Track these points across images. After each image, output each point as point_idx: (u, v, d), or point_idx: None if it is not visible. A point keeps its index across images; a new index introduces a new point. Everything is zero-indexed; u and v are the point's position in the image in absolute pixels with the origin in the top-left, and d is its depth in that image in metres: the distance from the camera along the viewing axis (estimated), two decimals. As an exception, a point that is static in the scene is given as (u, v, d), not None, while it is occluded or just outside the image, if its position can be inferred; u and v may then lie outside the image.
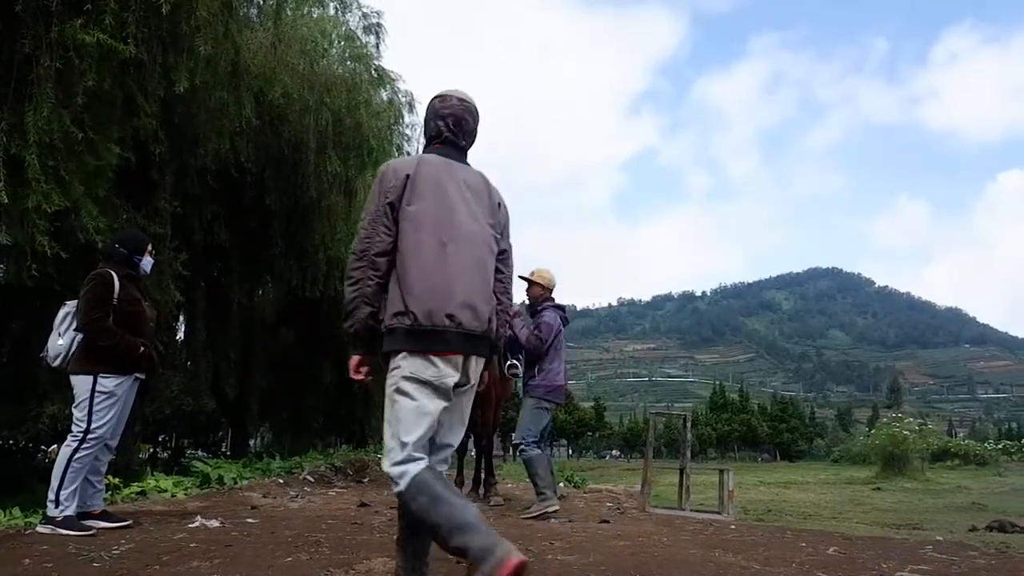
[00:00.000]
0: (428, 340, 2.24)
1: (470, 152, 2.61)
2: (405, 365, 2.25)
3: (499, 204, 2.56)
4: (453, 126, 2.52)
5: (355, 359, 2.45)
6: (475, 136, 2.59)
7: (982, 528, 8.70)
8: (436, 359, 2.25)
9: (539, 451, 5.36)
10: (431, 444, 2.33)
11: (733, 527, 5.33)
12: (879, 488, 19.42)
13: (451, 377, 2.28)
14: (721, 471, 6.43)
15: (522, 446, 5.44)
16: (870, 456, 26.56)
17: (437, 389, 2.25)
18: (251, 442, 22.66)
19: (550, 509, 5.18)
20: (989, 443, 46.08)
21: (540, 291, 5.83)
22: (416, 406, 2.23)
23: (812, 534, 4.97)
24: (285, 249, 11.37)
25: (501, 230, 2.54)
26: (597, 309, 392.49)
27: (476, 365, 2.38)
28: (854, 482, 22.33)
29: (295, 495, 6.47)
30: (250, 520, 4.59)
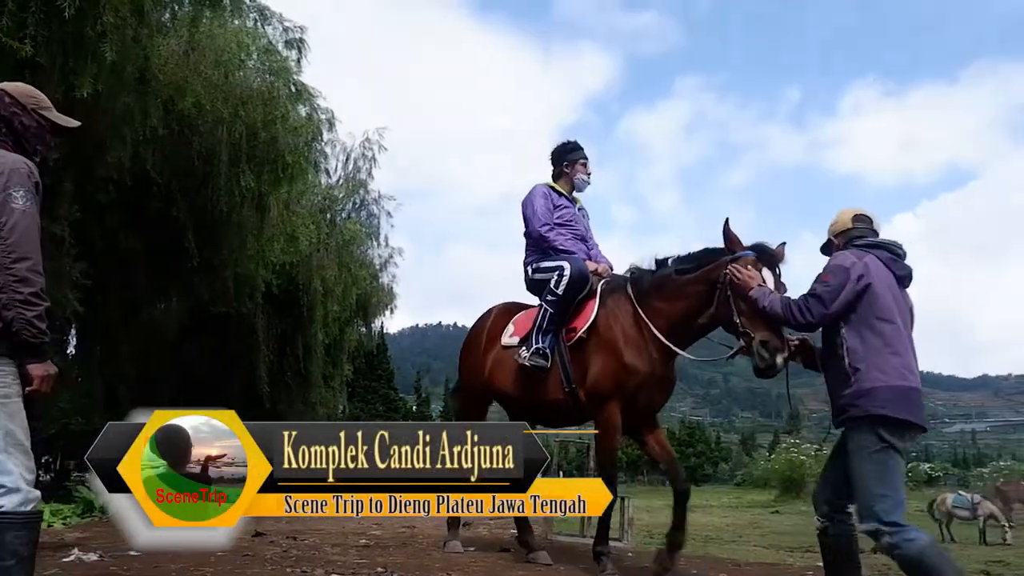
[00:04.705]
0: None
1: None
2: None
3: None
4: None
5: None
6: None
7: (868, 550, 9.19)
8: None
9: (926, 539, 2.74)
10: None
11: (631, 554, 5.44)
12: (777, 511, 20.25)
13: None
14: (622, 498, 6.52)
15: (883, 532, 2.73)
16: (771, 480, 27.71)
17: None
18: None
19: None
20: (879, 468, 48.81)
21: (836, 247, 3.26)
22: None
23: (704, 561, 5.14)
24: (193, 263, 10.95)
25: None
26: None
27: None
28: (755, 505, 23.21)
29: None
30: (133, 553, 4.32)
